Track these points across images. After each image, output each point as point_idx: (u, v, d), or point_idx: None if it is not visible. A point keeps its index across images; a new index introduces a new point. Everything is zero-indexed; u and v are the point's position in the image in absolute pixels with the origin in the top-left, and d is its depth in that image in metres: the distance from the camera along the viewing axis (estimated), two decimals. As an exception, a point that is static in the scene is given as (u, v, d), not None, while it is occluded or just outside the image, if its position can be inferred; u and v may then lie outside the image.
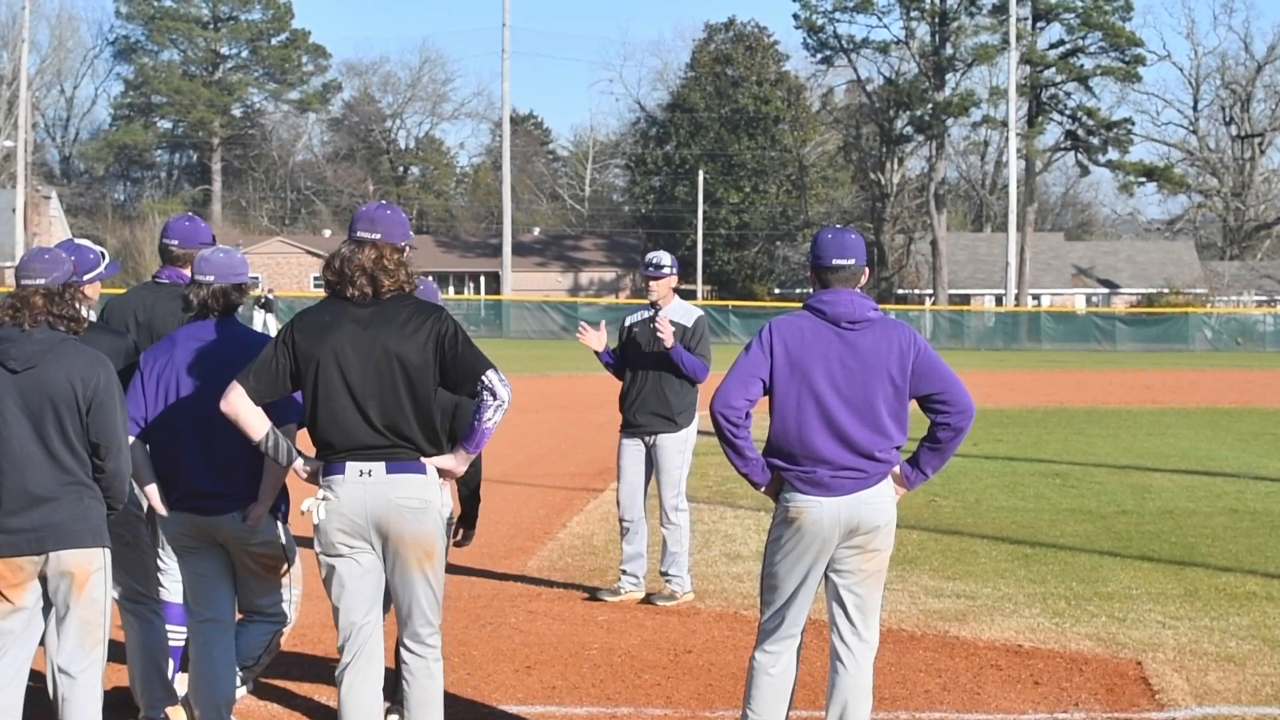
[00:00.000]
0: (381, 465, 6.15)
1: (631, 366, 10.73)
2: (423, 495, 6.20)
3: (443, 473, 6.30)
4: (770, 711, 6.49)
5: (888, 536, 6.47)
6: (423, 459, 6.22)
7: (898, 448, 6.45)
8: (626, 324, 10.85)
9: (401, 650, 6.42)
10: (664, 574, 10.69)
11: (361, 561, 6.25)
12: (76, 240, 7.40)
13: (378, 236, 6.25)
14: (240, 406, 6.14)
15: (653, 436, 10.64)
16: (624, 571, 10.80)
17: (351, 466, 6.15)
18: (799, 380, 6.33)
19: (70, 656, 6.23)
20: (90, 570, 6.18)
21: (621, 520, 10.82)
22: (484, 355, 6.22)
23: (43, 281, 6.22)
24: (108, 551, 6.28)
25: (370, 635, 6.34)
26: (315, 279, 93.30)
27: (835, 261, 6.46)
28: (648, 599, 10.63)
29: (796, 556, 6.41)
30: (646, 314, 10.75)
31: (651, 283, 10.70)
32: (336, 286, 6.23)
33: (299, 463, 6.28)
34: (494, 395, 6.13)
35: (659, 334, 10.39)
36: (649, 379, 10.61)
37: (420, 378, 6.15)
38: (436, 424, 6.27)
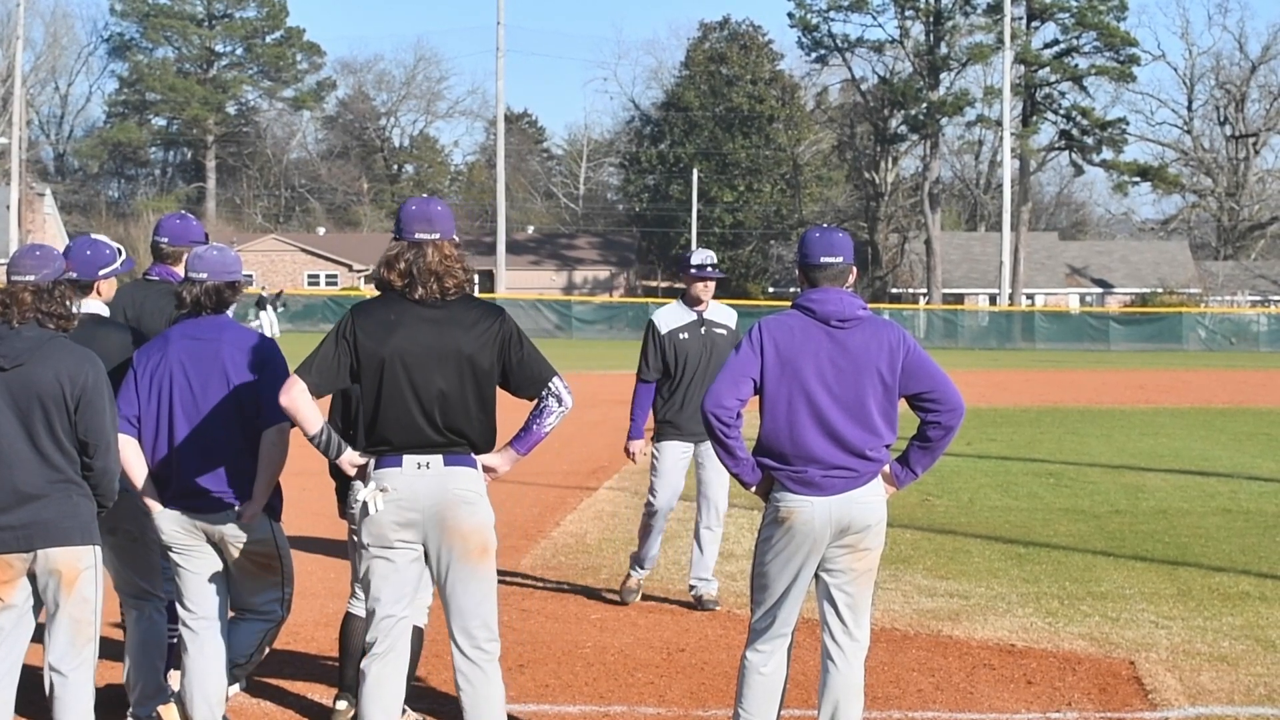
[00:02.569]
0: (439, 458, 6.16)
1: (681, 373, 10.17)
2: (477, 489, 6.23)
3: (488, 470, 6.31)
4: (762, 710, 6.49)
5: (878, 536, 6.46)
6: (475, 455, 6.24)
7: (888, 446, 6.45)
8: (664, 331, 10.18)
9: (457, 657, 6.32)
10: (704, 579, 10.41)
11: (408, 555, 6.25)
12: (93, 236, 7.40)
13: (437, 236, 6.23)
14: (300, 401, 6.11)
15: (705, 442, 10.08)
16: (640, 565, 10.58)
17: (409, 459, 6.15)
18: (790, 379, 6.33)
19: (61, 654, 6.22)
20: (79, 569, 6.17)
21: (655, 517, 10.43)
22: (548, 361, 6.27)
23: (32, 278, 6.21)
24: (98, 549, 6.27)
25: (403, 631, 6.33)
26: (309, 276, 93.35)
27: (823, 260, 6.45)
28: (700, 603, 10.38)
29: (787, 556, 6.40)
30: (688, 318, 10.26)
31: (700, 284, 10.17)
32: (404, 289, 6.20)
33: (348, 455, 6.25)
34: (559, 402, 6.20)
35: None
36: (703, 387, 9.88)
37: (487, 380, 6.18)
38: (494, 424, 6.28)
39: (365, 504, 6.16)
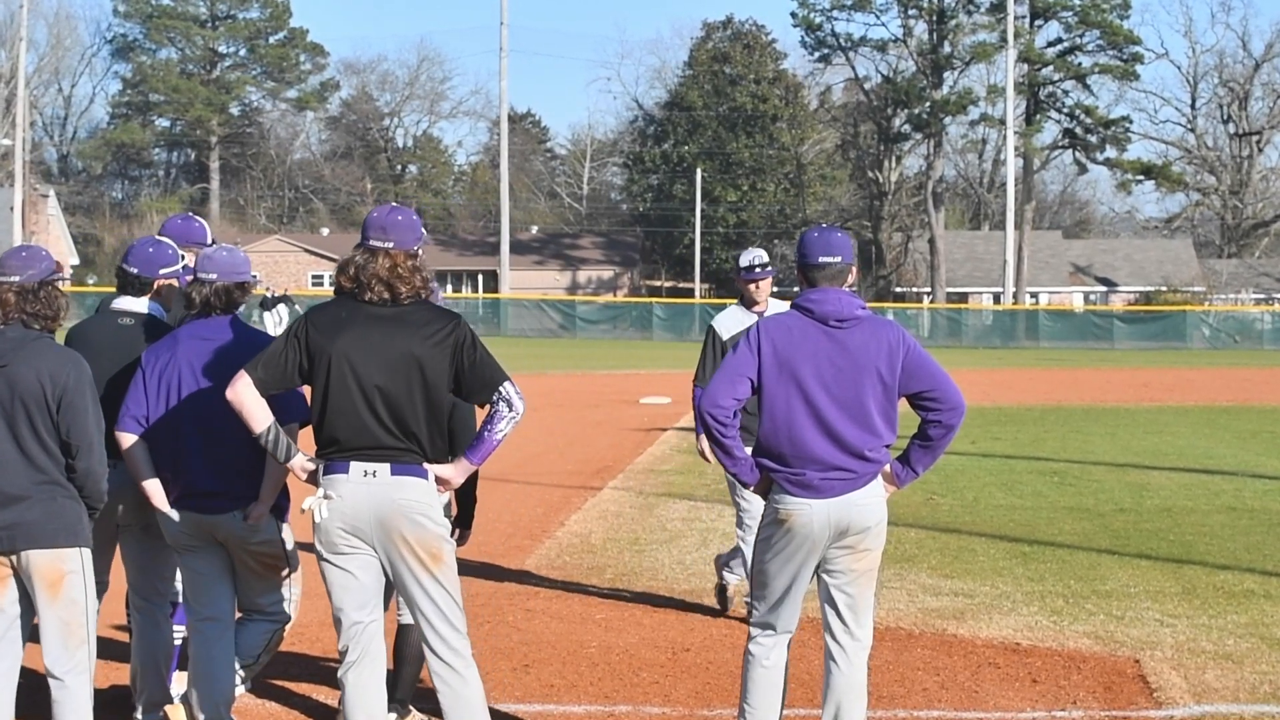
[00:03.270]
0: (386, 466, 6.12)
1: None
2: (426, 499, 6.17)
3: (440, 482, 6.28)
4: (766, 703, 6.48)
5: (878, 536, 6.46)
6: (425, 465, 6.20)
7: (887, 446, 6.44)
8: (726, 337, 10.00)
9: (430, 660, 6.32)
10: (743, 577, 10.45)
11: (362, 561, 6.22)
12: (157, 237, 7.34)
13: (390, 245, 6.20)
14: (245, 396, 6.12)
15: None
16: (730, 569, 10.28)
17: (356, 466, 6.12)
18: (788, 379, 6.33)
19: (55, 658, 6.22)
20: (64, 571, 6.14)
21: (748, 521, 10.11)
22: (500, 366, 6.21)
23: (17, 279, 6.17)
24: (86, 551, 6.23)
25: (373, 636, 6.31)
26: (314, 277, 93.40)
27: (822, 260, 6.45)
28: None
29: (786, 557, 6.41)
30: (748, 320, 10.07)
31: (755, 285, 10.05)
32: (354, 291, 6.21)
33: (298, 459, 6.25)
34: (510, 407, 6.12)
35: None
36: None
37: (435, 382, 6.13)
38: (445, 431, 6.26)
39: (310, 511, 6.16)
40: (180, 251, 7.27)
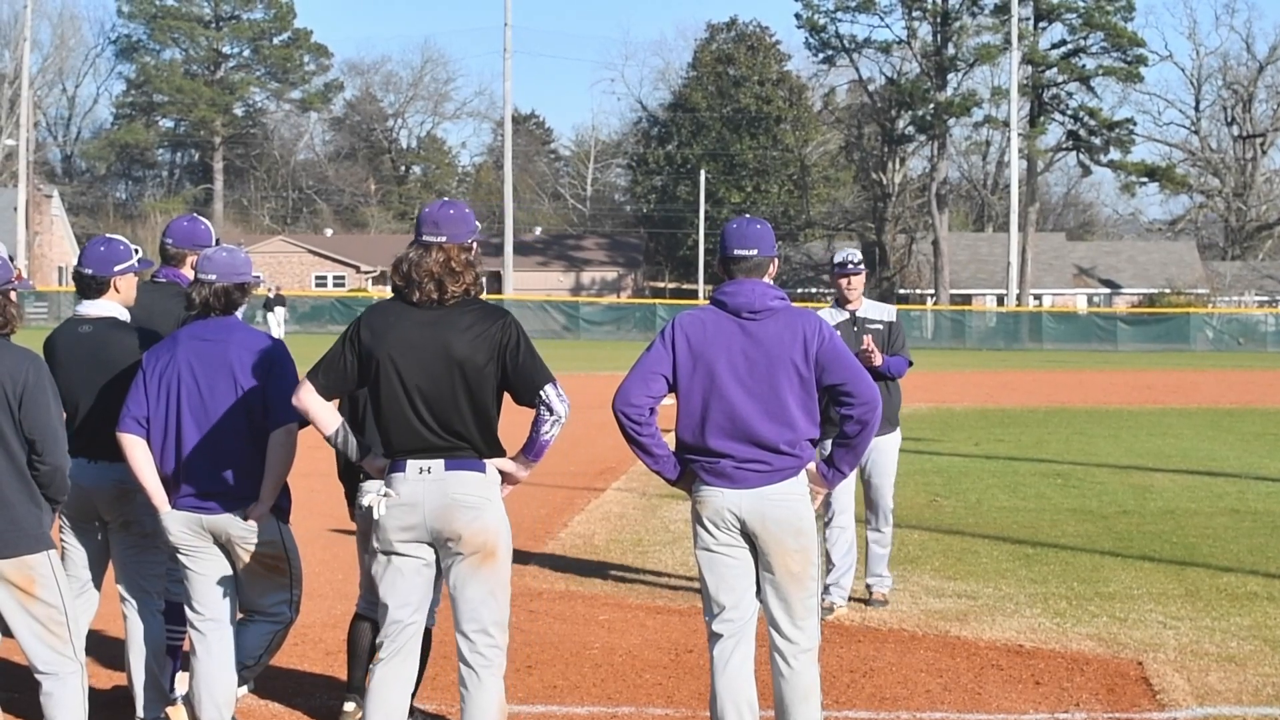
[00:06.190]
0: (440, 462, 6.12)
1: None
2: (482, 493, 6.15)
3: (505, 476, 6.27)
4: (732, 706, 6.40)
5: (801, 537, 6.35)
6: (484, 459, 6.19)
7: (812, 441, 6.38)
8: None
9: (460, 661, 6.29)
10: (879, 576, 10.42)
11: (416, 560, 6.22)
12: (108, 235, 7.36)
13: (443, 239, 6.20)
14: (310, 402, 6.14)
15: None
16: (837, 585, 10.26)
17: (412, 464, 6.13)
18: (702, 374, 6.32)
19: (44, 659, 6.23)
20: (34, 577, 6.15)
21: (842, 528, 10.26)
22: (546, 368, 6.20)
23: None
24: (53, 554, 6.23)
25: (411, 636, 6.29)
26: (317, 278, 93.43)
27: (737, 252, 6.43)
28: (869, 601, 10.40)
29: (713, 549, 6.40)
30: (839, 318, 10.19)
31: (844, 281, 10.13)
32: (404, 291, 6.21)
33: (370, 459, 6.28)
34: (550, 410, 6.11)
35: (869, 353, 9.83)
36: None
37: (479, 383, 6.12)
38: (496, 428, 6.24)
39: (370, 508, 6.17)
40: (133, 246, 7.25)
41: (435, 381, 6.10)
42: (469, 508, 6.12)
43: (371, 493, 6.17)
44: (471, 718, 6.23)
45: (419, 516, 6.13)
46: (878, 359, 9.92)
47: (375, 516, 6.16)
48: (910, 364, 10.36)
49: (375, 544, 6.25)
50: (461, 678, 6.27)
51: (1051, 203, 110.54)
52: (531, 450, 6.22)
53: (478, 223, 6.43)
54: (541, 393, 6.11)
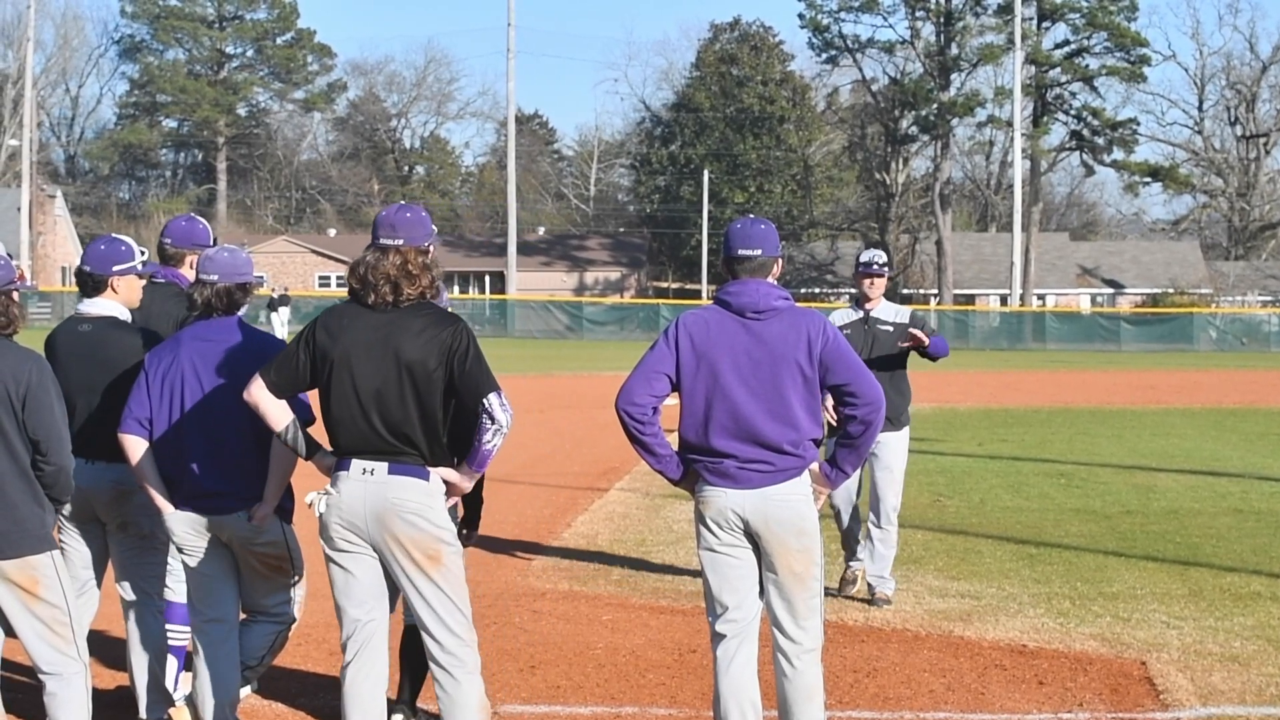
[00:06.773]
0: (384, 465, 6.12)
1: None
2: (423, 500, 6.14)
3: (449, 486, 6.25)
4: (736, 705, 6.42)
5: (804, 537, 6.37)
6: (428, 467, 6.18)
7: (815, 441, 6.39)
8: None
9: (431, 663, 6.30)
10: (880, 577, 10.49)
11: (361, 560, 6.22)
12: (112, 235, 7.35)
13: (400, 242, 6.19)
14: (260, 398, 6.16)
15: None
16: (854, 555, 10.73)
17: (356, 464, 6.14)
18: (706, 373, 6.32)
19: (47, 660, 6.24)
20: (38, 578, 6.16)
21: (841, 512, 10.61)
22: (491, 376, 6.15)
23: None
24: (56, 554, 6.25)
25: (373, 633, 6.29)
26: (320, 278, 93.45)
27: (740, 252, 6.44)
28: (872, 601, 10.44)
29: (715, 549, 6.41)
30: (853, 316, 10.39)
31: (866, 280, 10.34)
32: (359, 293, 6.21)
33: (319, 456, 6.29)
34: (492, 419, 6.05)
35: (909, 344, 10.18)
36: None
37: (427, 387, 6.11)
38: (442, 435, 6.21)
39: (312, 506, 6.19)
40: (140, 249, 7.24)
41: (386, 384, 6.10)
42: (409, 514, 6.10)
43: (315, 491, 6.21)
44: (452, 718, 6.23)
45: (359, 517, 6.12)
46: (927, 342, 10.20)
47: (317, 514, 6.19)
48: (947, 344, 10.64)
49: (322, 545, 6.25)
50: (436, 680, 6.27)
51: (1055, 203, 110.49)
52: (474, 460, 6.16)
53: (434, 226, 6.41)
54: (485, 401, 6.05)
